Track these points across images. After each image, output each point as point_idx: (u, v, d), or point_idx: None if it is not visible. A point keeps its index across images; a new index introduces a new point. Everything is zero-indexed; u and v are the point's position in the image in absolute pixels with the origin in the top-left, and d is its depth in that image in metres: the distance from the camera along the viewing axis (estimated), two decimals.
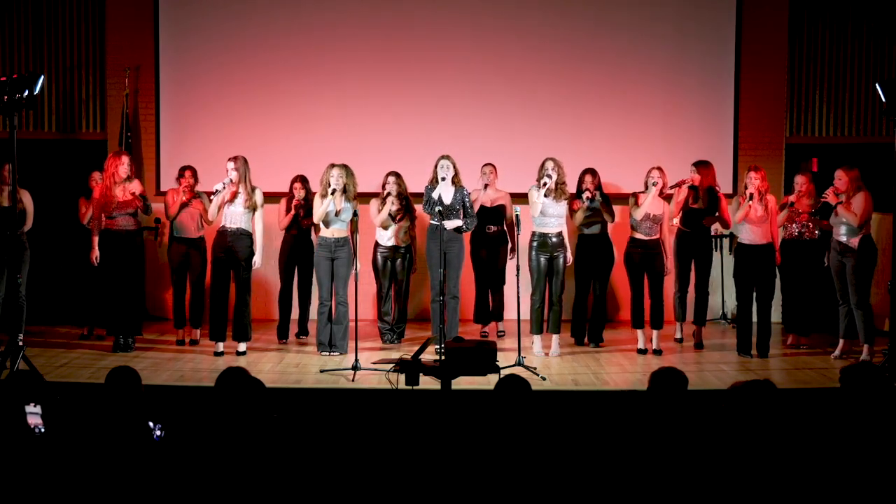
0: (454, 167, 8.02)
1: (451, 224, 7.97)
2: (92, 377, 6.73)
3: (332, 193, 7.64)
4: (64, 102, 9.87)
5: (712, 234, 8.98)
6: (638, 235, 7.86)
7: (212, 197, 7.71)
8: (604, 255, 8.22)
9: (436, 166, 8.04)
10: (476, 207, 8.40)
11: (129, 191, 7.83)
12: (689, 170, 8.37)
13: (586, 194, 8.03)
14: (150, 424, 3.98)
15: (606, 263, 8.25)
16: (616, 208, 8.47)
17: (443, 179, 7.96)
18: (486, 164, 8.63)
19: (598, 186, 8.16)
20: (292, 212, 8.34)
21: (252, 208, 7.68)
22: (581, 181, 8.13)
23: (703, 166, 8.28)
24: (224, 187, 7.56)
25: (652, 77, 9.67)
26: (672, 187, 8.31)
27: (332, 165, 7.78)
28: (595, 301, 8.27)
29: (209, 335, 7.77)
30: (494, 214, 8.52)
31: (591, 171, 8.15)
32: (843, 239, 7.57)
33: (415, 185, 8.72)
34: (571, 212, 8.07)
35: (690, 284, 8.43)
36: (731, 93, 9.69)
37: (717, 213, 8.27)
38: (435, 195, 7.98)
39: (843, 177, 7.55)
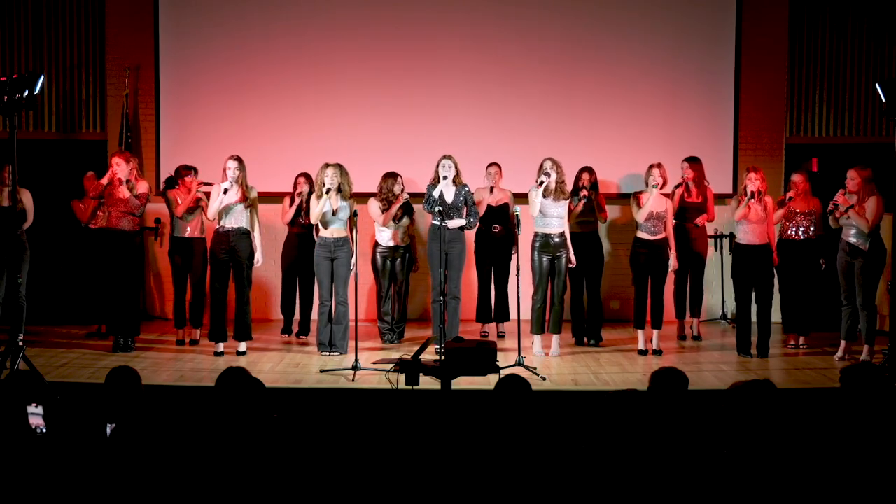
0: (456, 167, 8.03)
1: (454, 223, 7.99)
2: (92, 377, 6.72)
3: (327, 192, 7.65)
4: (64, 102, 9.87)
5: (711, 233, 9.08)
6: (643, 235, 7.86)
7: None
8: (594, 254, 8.23)
9: (438, 165, 8.05)
10: (483, 208, 8.41)
11: (136, 191, 7.85)
12: (681, 166, 8.59)
13: (583, 192, 8.06)
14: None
15: (597, 262, 8.27)
16: (615, 208, 8.51)
17: (444, 178, 7.97)
18: (491, 164, 8.64)
19: (594, 185, 8.20)
20: (296, 203, 8.35)
21: (250, 206, 7.71)
22: (578, 179, 8.17)
23: (694, 162, 8.51)
24: (231, 188, 7.57)
25: (652, 77, 9.68)
26: (676, 187, 8.40)
27: (326, 165, 7.80)
28: (589, 300, 8.28)
29: (209, 335, 7.77)
30: (499, 214, 8.52)
31: (588, 170, 8.21)
32: (854, 241, 7.55)
33: (416, 185, 8.72)
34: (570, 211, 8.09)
35: (687, 282, 8.59)
36: (731, 93, 9.69)
37: (705, 207, 8.56)
38: (436, 193, 7.99)
39: (855, 177, 7.54)
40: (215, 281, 7.76)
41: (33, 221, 7.93)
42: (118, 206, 7.83)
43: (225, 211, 7.65)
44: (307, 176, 8.45)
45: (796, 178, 7.99)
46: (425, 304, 9.35)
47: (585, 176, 8.19)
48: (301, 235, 8.47)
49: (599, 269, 8.31)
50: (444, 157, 8.07)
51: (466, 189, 8.12)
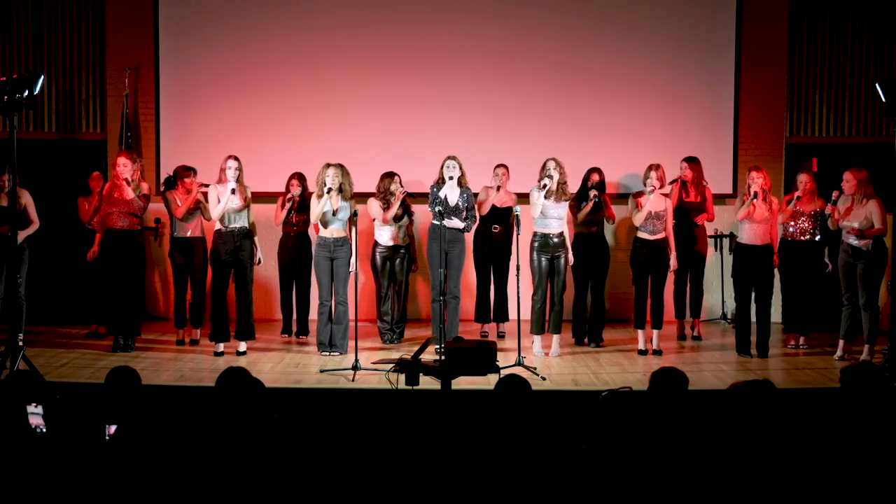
0: (460, 168, 8.04)
1: (451, 223, 7.99)
2: (92, 377, 6.73)
3: (328, 192, 7.65)
4: (64, 102, 9.87)
5: (711, 233, 9.09)
6: (643, 235, 7.86)
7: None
8: (600, 255, 8.24)
9: (442, 166, 8.06)
10: (487, 207, 8.41)
11: (139, 191, 7.86)
12: (680, 166, 8.61)
13: (592, 193, 8.05)
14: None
15: (603, 263, 8.26)
16: (618, 208, 8.50)
17: (450, 179, 7.99)
18: (499, 165, 8.60)
19: (602, 185, 8.19)
20: (286, 206, 8.36)
21: (247, 206, 7.73)
22: (587, 179, 8.17)
23: (693, 162, 8.52)
24: (236, 189, 7.58)
25: (652, 77, 9.68)
26: (671, 183, 8.41)
27: (328, 165, 7.80)
28: (593, 301, 8.28)
29: (210, 336, 7.77)
30: (502, 216, 8.51)
31: (597, 170, 8.22)
32: (855, 242, 7.54)
33: (422, 185, 8.71)
34: (574, 210, 8.09)
35: (687, 282, 8.59)
36: (731, 93, 9.69)
37: (704, 207, 8.58)
38: (441, 195, 8.00)
39: (851, 178, 7.53)
40: (218, 281, 7.76)
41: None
42: (120, 207, 7.82)
43: (228, 212, 7.65)
44: (300, 177, 8.45)
45: (802, 177, 7.97)
46: (425, 304, 9.35)
47: (595, 176, 8.19)
48: (296, 236, 8.47)
49: (604, 270, 8.30)
50: (449, 157, 8.08)
51: (469, 192, 8.13)
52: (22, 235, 7.72)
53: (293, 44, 9.69)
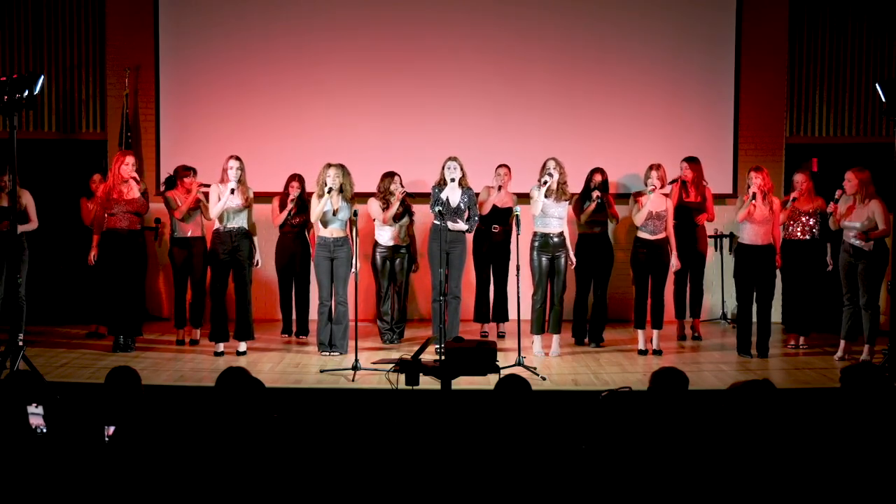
0: (461, 168, 8.04)
1: (455, 226, 8.00)
2: (92, 377, 6.72)
3: (329, 192, 7.65)
4: (64, 102, 9.88)
5: (711, 233, 9.08)
6: (643, 235, 7.86)
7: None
8: (604, 255, 8.23)
9: (443, 167, 8.06)
10: (488, 207, 8.41)
11: (135, 191, 7.86)
12: (680, 166, 8.61)
13: (595, 193, 8.05)
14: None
15: (606, 263, 8.26)
16: (618, 208, 8.50)
17: (452, 180, 7.99)
18: (500, 166, 8.60)
19: (605, 185, 8.19)
20: (287, 207, 8.35)
21: (248, 206, 7.73)
22: (589, 180, 8.17)
23: (693, 162, 8.52)
24: (237, 188, 7.58)
25: (652, 77, 9.68)
26: (671, 183, 8.41)
27: (329, 165, 7.80)
28: (595, 301, 8.28)
29: (210, 336, 7.77)
30: (502, 216, 8.51)
31: (600, 170, 8.21)
32: (856, 242, 7.55)
33: (425, 185, 8.71)
34: (577, 210, 8.09)
35: (687, 282, 8.59)
36: (731, 93, 9.69)
37: (703, 207, 8.57)
38: (443, 196, 8.00)
39: (852, 178, 7.53)
40: (216, 281, 7.76)
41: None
42: (122, 207, 7.81)
43: (227, 211, 7.65)
44: (300, 179, 8.44)
45: (799, 177, 7.98)
46: (425, 304, 9.35)
47: (597, 177, 8.18)
48: (293, 236, 8.46)
49: (608, 271, 8.30)
50: (450, 158, 8.08)
51: (470, 193, 8.13)
52: (19, 230, 7.71)
53: (293, 44, 9.70)
